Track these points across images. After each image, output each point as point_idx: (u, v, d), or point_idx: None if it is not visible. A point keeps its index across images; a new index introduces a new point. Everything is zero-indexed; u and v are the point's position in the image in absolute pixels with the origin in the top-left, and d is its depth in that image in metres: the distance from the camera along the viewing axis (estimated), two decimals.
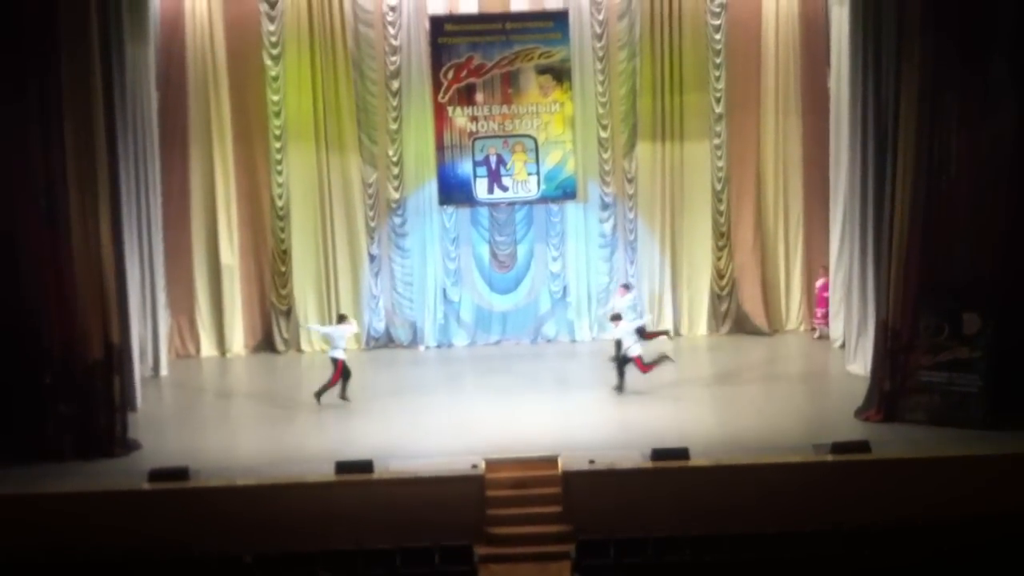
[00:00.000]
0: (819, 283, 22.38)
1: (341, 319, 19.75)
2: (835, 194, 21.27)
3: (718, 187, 22.82)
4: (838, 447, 15.70)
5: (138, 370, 19.14)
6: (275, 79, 22.15)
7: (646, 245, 22.92)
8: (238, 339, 22.64)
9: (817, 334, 22.44)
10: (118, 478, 15.68)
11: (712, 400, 18.90)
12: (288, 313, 22.70)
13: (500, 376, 20.41)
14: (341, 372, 18.65)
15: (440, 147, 22.31)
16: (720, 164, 22.75)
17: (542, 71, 22.24)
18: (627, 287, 21.50)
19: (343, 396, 18.71)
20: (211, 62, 22.03)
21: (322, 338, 20.92)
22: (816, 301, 22.50)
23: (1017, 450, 15.59)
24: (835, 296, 21.34)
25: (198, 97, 22.08)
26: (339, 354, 18.78)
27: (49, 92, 16.22)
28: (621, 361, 19.03)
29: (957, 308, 16.78)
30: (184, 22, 21.84)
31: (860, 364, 19.11)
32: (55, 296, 16.49)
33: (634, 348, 18.91)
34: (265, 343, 22.87)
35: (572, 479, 15.45)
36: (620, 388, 18.86)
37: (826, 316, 22.17)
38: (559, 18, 22.16)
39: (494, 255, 23.02)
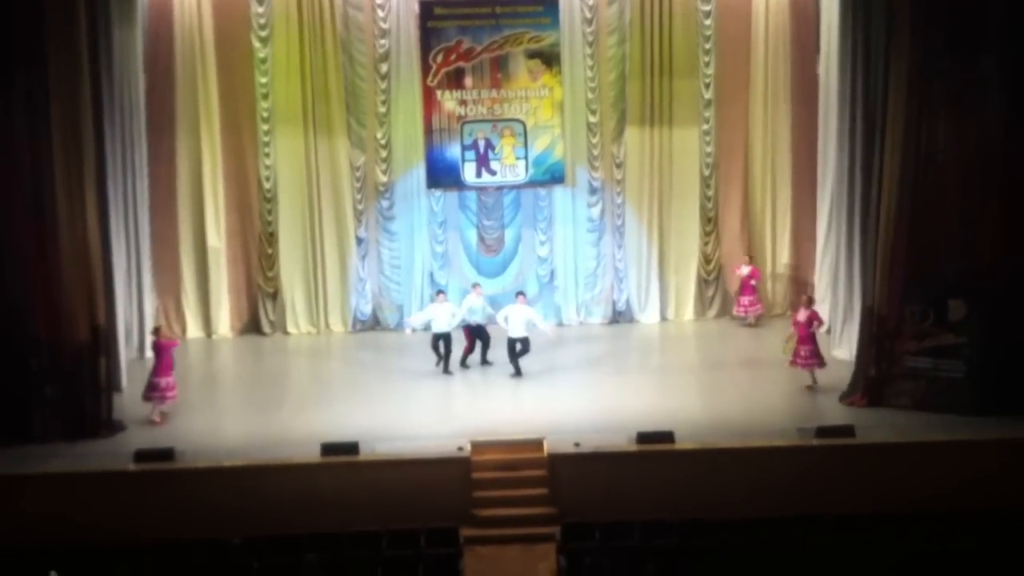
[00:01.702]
0: (744, 272, 22.31)
1: (438, 294, 20.30)
2: (823, 181, 21.30)
3: (706, 173, 22.83)
4: (823, 431, 15.81)
5: (124, 352, 19.14)
6: (263, 61, 22.03)
7: (633, 230, 22.93)
8: (224, 321, 22.59)
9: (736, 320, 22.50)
10: (104, 459, 15.70)
11: (698, 384, 19.00)
12: (275, 296, 22.65)
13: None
14: (433, 345, 19.49)
15: (429, 131, 22.28)
16: (708, 150, 22.74)
17: (531, 56, 22.22)
18: (478, 286, 21.00)
19: (446, 369, 19.45)
20: (199, 44, 21.90)
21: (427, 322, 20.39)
22: (741, 289, 22.40)
23: (1001, 436, 15.75)
24: (821, 282, 21.38)
25: (186, 80, 21.96)
26: (439, 328, 19.51)
27: (36, 75, 16.14)
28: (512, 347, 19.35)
29: (943, 294, 16.88)
30: (172, 4, 21.70)
31: (846, 349, 19.20)
32: (41, 279, 16.47)
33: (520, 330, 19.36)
34: (251, 325, 22.81)
35: (558, 462, 15.53)
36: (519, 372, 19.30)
37: (751, 304, 22.22)
38: (549, 3, 22.12)
39: (482, 239, 23.01)
